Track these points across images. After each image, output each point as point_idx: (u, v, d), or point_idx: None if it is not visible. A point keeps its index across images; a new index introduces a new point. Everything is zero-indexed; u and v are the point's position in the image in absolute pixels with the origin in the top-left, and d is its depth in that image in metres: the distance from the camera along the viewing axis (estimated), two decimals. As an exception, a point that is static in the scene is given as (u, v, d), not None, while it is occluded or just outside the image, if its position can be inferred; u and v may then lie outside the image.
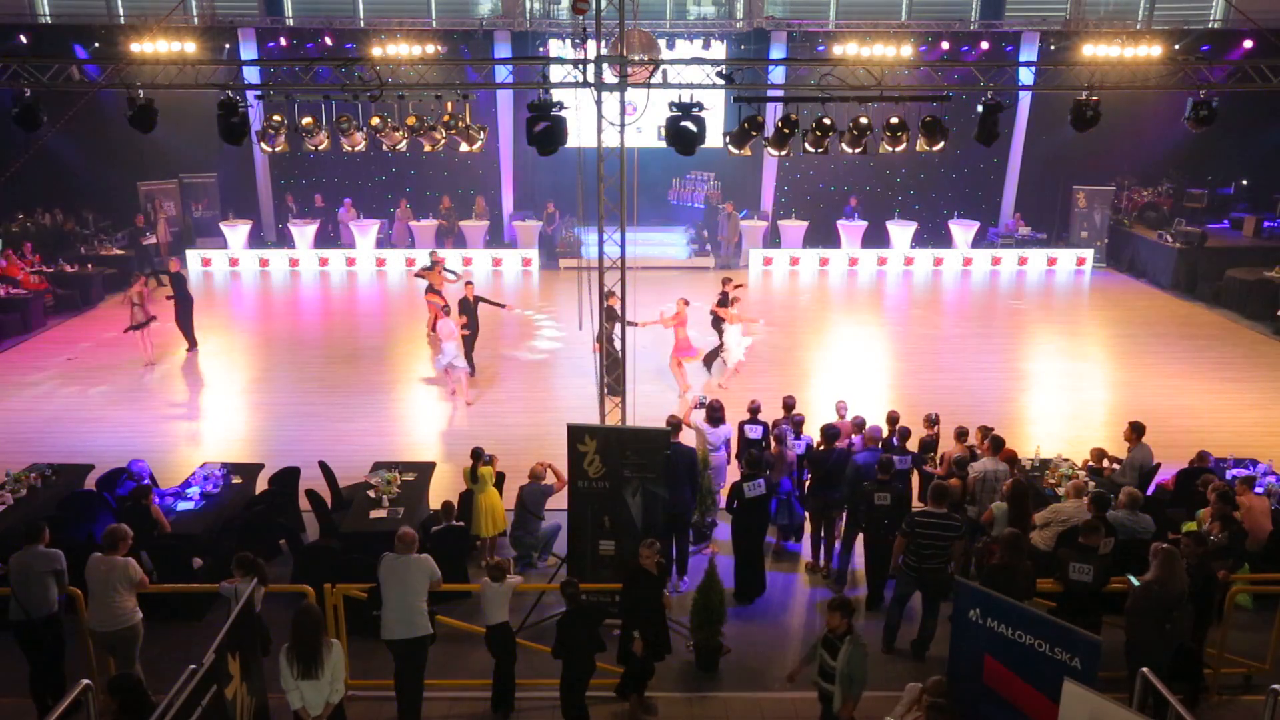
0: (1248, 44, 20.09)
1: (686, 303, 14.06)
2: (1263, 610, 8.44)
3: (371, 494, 9.61)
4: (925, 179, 24.16)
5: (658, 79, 11.09)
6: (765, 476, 9.12)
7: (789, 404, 10.66)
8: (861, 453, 9.42)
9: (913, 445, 10.13)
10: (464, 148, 13.35)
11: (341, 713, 6.66)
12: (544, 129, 10.31)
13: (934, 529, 7.95)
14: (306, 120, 13.03)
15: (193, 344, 16.58)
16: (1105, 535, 7.77)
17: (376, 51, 20.64)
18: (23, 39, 20.62)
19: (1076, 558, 7.35)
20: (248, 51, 21.89)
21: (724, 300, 14.79)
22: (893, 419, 10.12)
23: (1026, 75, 17.28)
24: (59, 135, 16.34)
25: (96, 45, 20.56)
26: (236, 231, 23.08)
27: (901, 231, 23.48)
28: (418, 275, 17.10)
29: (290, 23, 22.73)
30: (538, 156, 10.92)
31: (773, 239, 23.90)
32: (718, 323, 14.97)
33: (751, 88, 14.69)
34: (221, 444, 12.65)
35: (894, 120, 11.88)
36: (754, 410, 10.42)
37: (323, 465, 10.21)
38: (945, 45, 21.94)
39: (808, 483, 9.90)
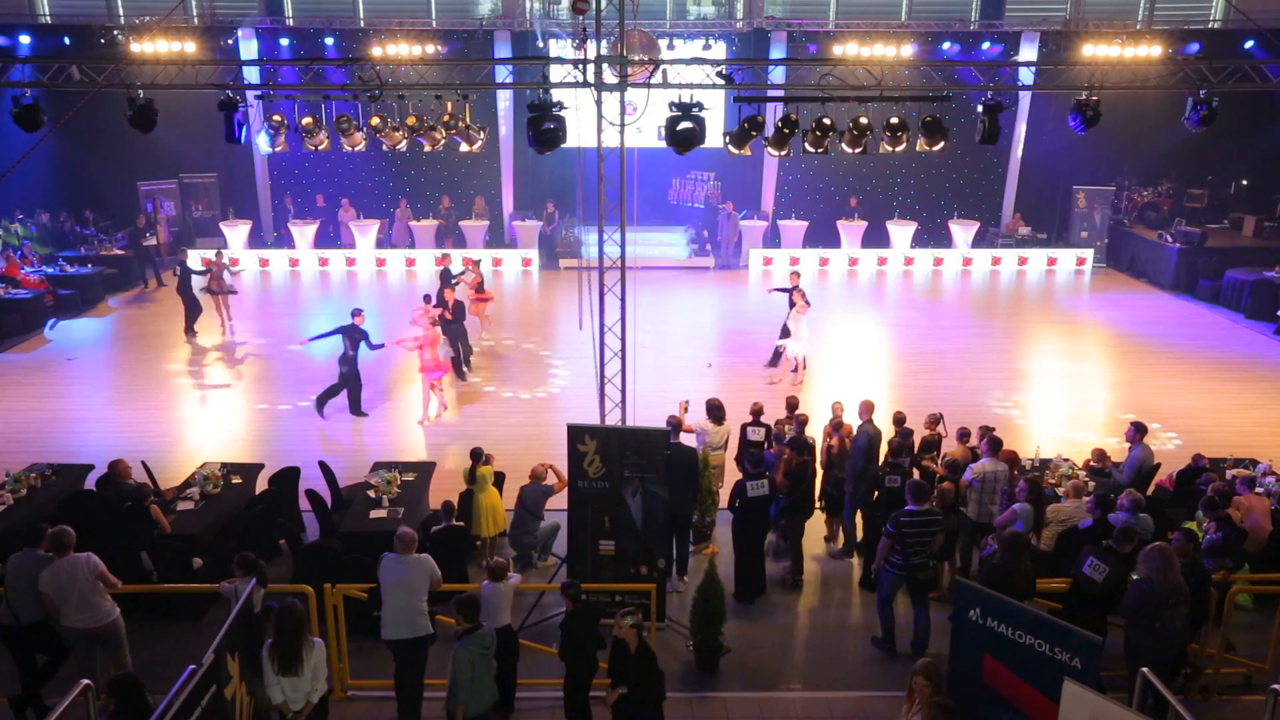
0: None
1: (435, 323, 13.56)
2: (1263, 610, 8.45)
3: (371, 494, 9.61)
4: (925, 179, 24.16)
5: (658, 79, 11.08)
6: (768, 477, 9.13)
7: (792, 404, 10.66)
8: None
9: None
10: (464, 148, 13.34)
11: (324, 710, 6.67)
12: (544, 129, 10.32)
13: (920, 526, 8.08)
14: (306, 120, 13.02)
15: (193, 333, 17.00)
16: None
17: (376, 51, 20.63)
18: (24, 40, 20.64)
19: (1100, 556, 7.32)
20: (248, 51, 21.89)
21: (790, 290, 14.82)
22: (898, 419, 10.10)
23: (1026, 75, 17.25)
24: (59, 135, 16.36)
25: (101, 42, 20.56)
26: (236, 231, 23.09)
27: (901, 231, 23.48)
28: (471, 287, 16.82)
29: (290, 22, 22.74)
30: (538, 156, 10.92)
31: (773, 239, 23.91)
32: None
33: (751, 88, 14.67)
34: (221, 444, 12.65)
35: (894, 120, 11.87)
36: (756, 413, 10.39)
37: (323, 465, 10.21)
38: (946, 45, 21.97)
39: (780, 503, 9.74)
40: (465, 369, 15.10)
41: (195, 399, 14.49)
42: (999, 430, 9.85)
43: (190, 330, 17.08)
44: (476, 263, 17.12)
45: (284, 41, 22.22)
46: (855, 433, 9.87)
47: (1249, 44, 20.28)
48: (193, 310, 17.06)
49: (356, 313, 13.30)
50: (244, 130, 11.56)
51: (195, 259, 18.35)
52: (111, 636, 7.22)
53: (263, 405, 14.16)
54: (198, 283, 17.22)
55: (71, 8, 22.00)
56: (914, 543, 8.07)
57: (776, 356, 15.20)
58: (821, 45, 22.07)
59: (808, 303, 14.64)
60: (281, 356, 16.42)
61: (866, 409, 9.96)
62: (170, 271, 21.53)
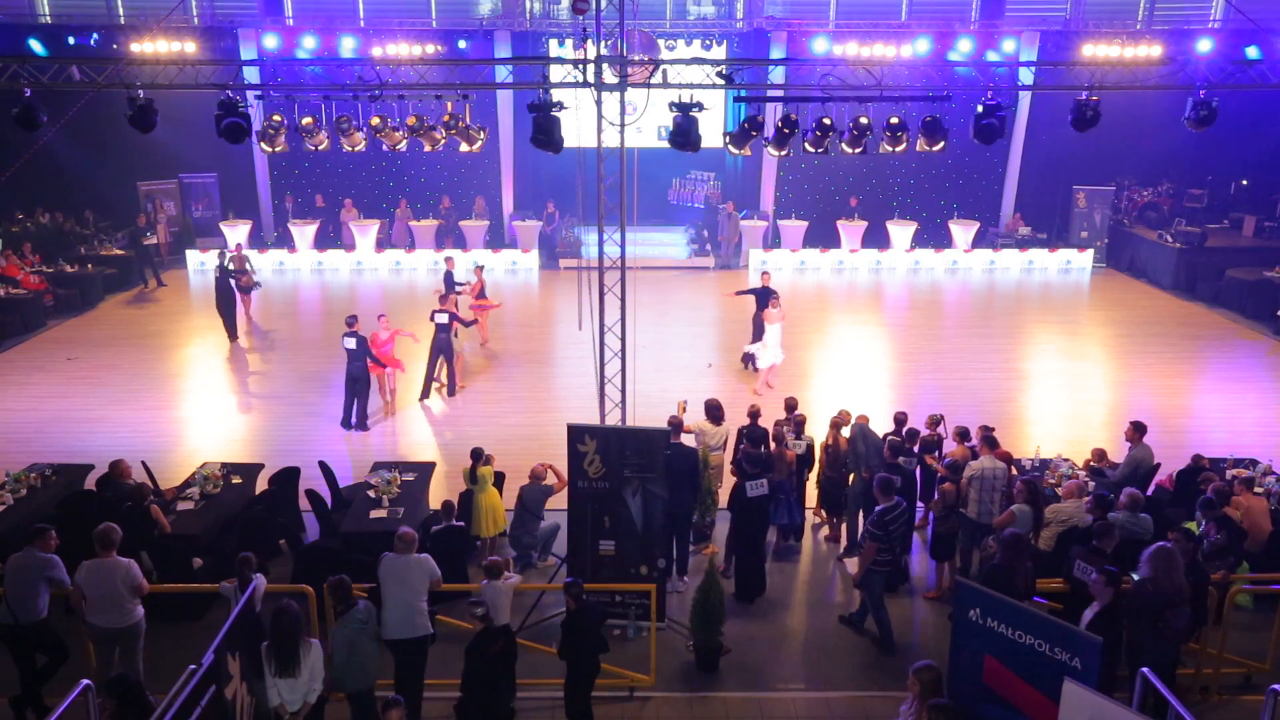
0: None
1: (382, 318, 13.50)
2: (1263, 610, 8.45)
3: (371, 494, 9.61)
4: (925, 179, 24.16)
5: (658, 79, 11.09)
6: (767, 476, 9.13)
7: (790, 405, 10.66)
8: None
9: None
10: (464, 148, 13.33)
11: (320, 712, 6.67)
12: (541, 130, 10.34)
13: (898, 519, 8.34)
14: (306, 120, 13.01)
15: (233, 335, 17.09)
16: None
17: (376, 51, 20.61)
18: (34, 45, 20.62)
19: (1086, 557, 7.36)
20: (248, 51, 21.89)
21: (764, 298, 14.72)
22: (900, 420, 10.12)
23: (1026, 75, 17.24)
24: (59, 135, 16.37)
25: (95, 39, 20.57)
26: (236, 231, 23.08)
27: (901, 231, 23.49)
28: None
29: (290, 22, 22.74)
30: (538, 156, 10.92)
31: (773, 239, 23.91)
32: (760, 324, 14.75)
33: (751, 88, 14.68)
34: (221, 444, 12.65)
35: (894, 120, 11.88)
36: (753, 415, 10.37)
37: (323, 465, 10.21)
38: (944, 45, 21.98)
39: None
40: (440, 385, 14.47)
41: (195, 399, 14.49)
42: (998, 430, 9.85)
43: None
44: (481, 268, 16.96)
45: (284, 41, 22.21)
46: (850, 429, 10.00)
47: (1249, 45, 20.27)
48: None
49: (351, 322, 13.00)
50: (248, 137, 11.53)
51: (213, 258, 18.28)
52: (130, 637, 7.26)
53: (263, 405, 14.16)
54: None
55: (71, 7, 22.00)
56: (897, 537, 8.40)
57: (747, 360, 15.05)
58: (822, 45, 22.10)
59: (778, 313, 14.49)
60: (282, 356, 16.42)
61: (861, 417, 10.14)
62: (168, 271, 21.67)
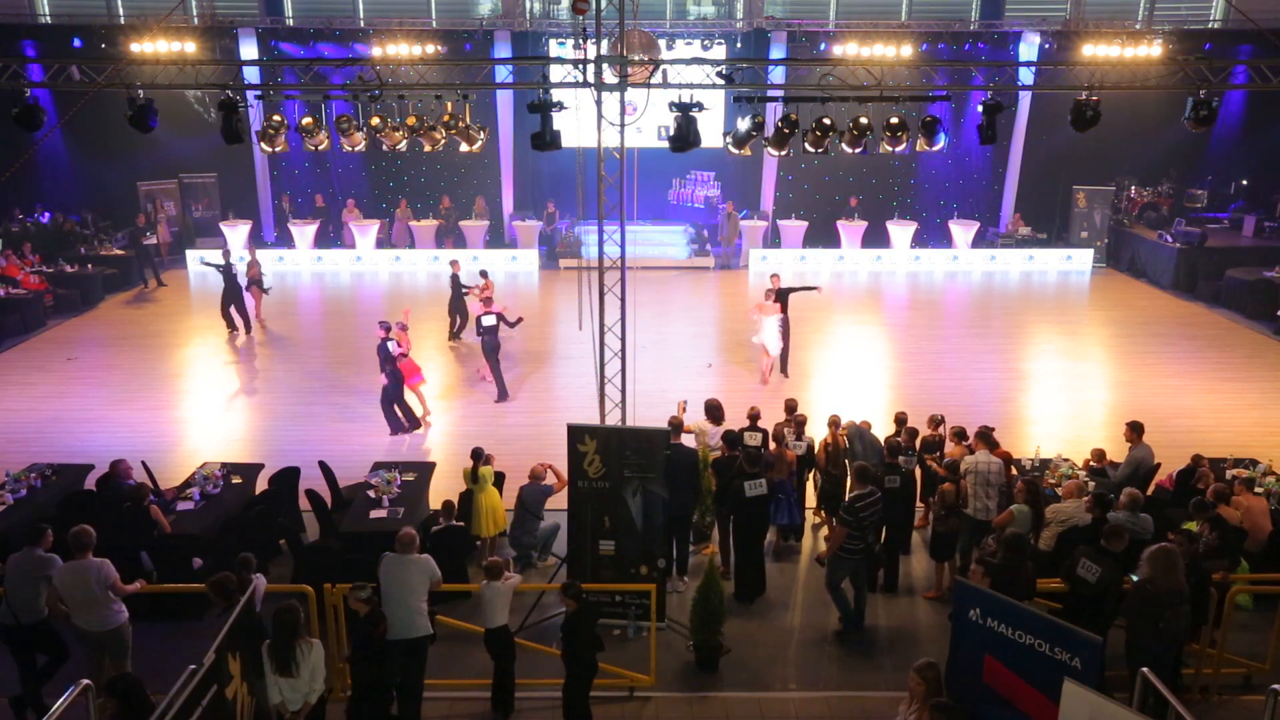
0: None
1: (405, 327, 13.42)
2: (1263, 610, 8.44)
3: (371, 494, 9.61)
4: (925, 179, 24.16)
5: (658, 79, 11.09)
6: (766, 476, 9.13)
7: (790, 406, 10.66)
8: None
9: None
10: (464, 148, 13.33)
11: (323, 711, 6.66)
12: (538, 130, 10.37)
13: (870, 506, 8.36)
14: (306, 120, 13.01)
15: (232, 328, 17.29)
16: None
17: (376, 51, 20.63)
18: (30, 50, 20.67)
19: (1092, 556, 7.34)
20: (248, 51, 21.90)
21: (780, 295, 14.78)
22: (900, 420, 10.13)
23: (1026, 75, 17.24)
24: (59, 135, 16.40)
25: (102, 46, 20.58)
26: (236, 231, 23.09)
27: (901, 231, 23.49)
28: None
29: (290, 23, 22.75)
30: (538, 156, 10.92)
31: (773, 239, 23.91)
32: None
33: (751, 88, 14.68)
34: (221, 444, 12.65)
35: (894, 120, 11.88)
36: (753, 417, 10.37)
37: (323, 465, 10.21)
38: (944, 45, 22.02)
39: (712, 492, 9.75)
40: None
41: (195, 399, 14.48)
42: (998, 430, 9.85)
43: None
44: (484, 272, 16.84)
45: (284, 42, 22.24)
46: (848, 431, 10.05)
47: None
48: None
49: (380, 326, 12.83)
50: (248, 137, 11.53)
51: (216, 256, 18.20)
52: (116, 642, 7.23)
53: (263, 405, 14.16)
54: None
55: (71, 8, 22.00)
56: (870, 524, 8.43)
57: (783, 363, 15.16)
58: (825, 44, 22.12)
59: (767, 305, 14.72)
60: (282, 355, 16.42)
61: (864, 423, 10.19)
62: (168, 271, 21.69)
